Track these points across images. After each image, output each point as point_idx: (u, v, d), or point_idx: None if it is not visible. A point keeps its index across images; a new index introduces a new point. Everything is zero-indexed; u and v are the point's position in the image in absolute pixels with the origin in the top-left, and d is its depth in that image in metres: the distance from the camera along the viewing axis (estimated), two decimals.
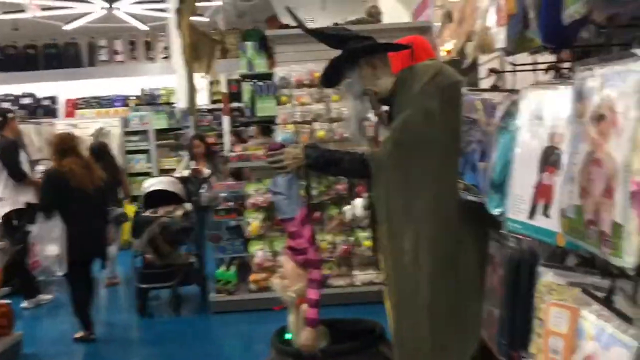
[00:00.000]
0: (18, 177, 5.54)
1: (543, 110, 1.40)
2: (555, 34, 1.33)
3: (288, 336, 2.50)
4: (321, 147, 2.28)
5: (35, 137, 6.41)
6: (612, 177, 1.02)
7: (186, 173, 5.93)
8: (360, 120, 2.28)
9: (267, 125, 6.11)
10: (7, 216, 5.49)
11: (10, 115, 5.79)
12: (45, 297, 5.95)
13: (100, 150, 6.36)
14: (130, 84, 12.68)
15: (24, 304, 5.70)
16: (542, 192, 1.37)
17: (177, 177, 5.87)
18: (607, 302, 1.11)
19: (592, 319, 1.12)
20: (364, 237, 4.90)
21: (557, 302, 1.33)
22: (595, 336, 1.09)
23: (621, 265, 1.00)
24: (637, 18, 1.10)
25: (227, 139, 11.05)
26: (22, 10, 9.76)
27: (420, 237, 2.09)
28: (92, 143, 6.68)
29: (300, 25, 2.30)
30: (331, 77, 2.30)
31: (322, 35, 2.25)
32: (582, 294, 1.21)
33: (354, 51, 2.18)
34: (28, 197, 5.55)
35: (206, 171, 5.82)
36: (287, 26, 5.47)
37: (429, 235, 2.09)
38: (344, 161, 2.18)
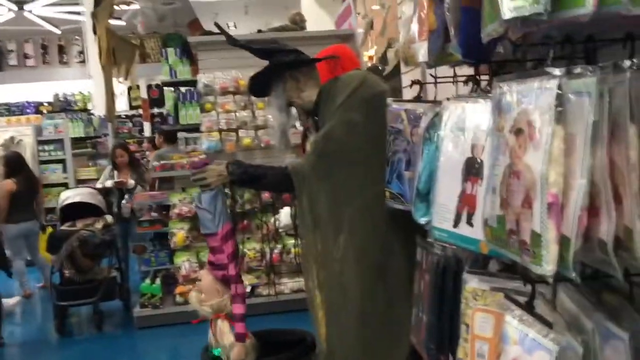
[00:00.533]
0: None
1: (464, 122, 1.46)
2: (474, 50, 1.38)
3: (217, 352, 2.45)
4: (244, 163, 2.29)
5: None
6: (530, 188, 1.07)
7: (109, 184, 5.70)
8: (284, 131, 2.33)
9: (173, 133, 6.08)
10: None
11: None
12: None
13: (16, 162, 6.11)
14: (42, 90, 12.07)
15: None
16: (466, 202, 1.42)
17: (99, 189, 5.64)
18: (528, 308, 1.15)
19: (515, 324, 1.17)
20: (292, 245, 4.90)
21: (482, 308, 1.38)
22: (519, 340, 1.13)
23: (541, 273, 1.05)
24: (548, 37, 1.16)
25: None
26: None
27: (349, 245, 2.12)
28: (6, 154, 6.35)
29: (229, 38, 2.30)
30: (258, 88, 2.32)
31: (250, 49, 2.27)
32: (505, 299, 1.26)
33: (277, 66, 2.23)
34: None
35: (131, 182, 5.62)
36: (210, 32, 5.39)
37: (358, 243, 2.12)
38: (268, 176, 2.21)
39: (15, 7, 9.82)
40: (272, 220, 4.78)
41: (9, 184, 6.01)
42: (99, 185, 5.83)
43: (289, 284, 5.05)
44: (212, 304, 2.32)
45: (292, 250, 4.88)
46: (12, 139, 7.82)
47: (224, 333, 2.31)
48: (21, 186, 6.05)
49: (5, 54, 12.39)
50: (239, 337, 2.28)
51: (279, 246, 5.01)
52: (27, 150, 7.79)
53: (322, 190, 2.15)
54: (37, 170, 8.02)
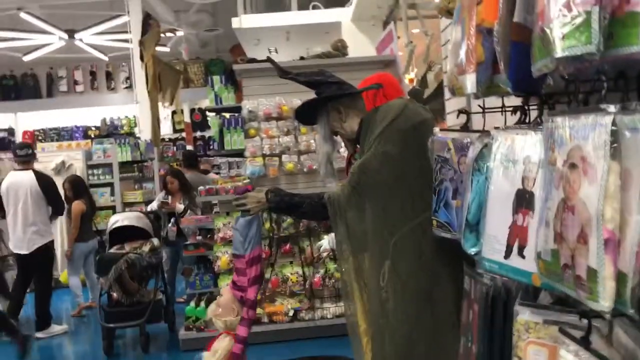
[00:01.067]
0: (60, 212, 6.20)
1: (515, 153, 1.46)
2: (524, 83, 1.39)
3: None
4: (283, 191, 2.38)
5: None
6: (585, 224, 1.07)
7: (155, 206, 5.87)
8: (328, 159, 2.39)
9: (193, 157, 6.98)
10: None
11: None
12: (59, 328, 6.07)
13: (80, 185, 6.64)
14: (90, 115, 12.53)
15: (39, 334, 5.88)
16: (517, 234, 1.42)
17: (147, 212, 5.83)
18: (584, 342, 1.14)
19: (571, 359, 1.16)
20: (335, 269, 4.91)
21: (535, 340, 1.37)
22: None
23: (598, 309, 1.04)
24: (600, 72, 1.17)
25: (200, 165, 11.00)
26: None
27: (394, 273, 2.13)
28: (72, 178, 6.76)
29: (280, 70, 2.40)
30: (305, 117, 2.40)
31: (298, 81, 2.38)
32: (559, 333, 1.25)
33: (320, 99, 2.33)
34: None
35: (180, 206, 5.77)
36: (254, 60, 5.52)
37: (403, 271, 2.13)
38: (304, 205, 2.29)
39: (66, 36, 10.27)
40: (314, 244, 4.81)
41: (80, 205, 6.39)
42: (149, 208, 6.00)
43: (331, 309, 5.05)
44: (225, 320, 2.46)
45: (335, 274, 4.89)
46: (63, 163, 8.11)
47: (223, 349, 2.42)
48: (87, 207, 6.48)
49: (55, 80, 12.93)
50: (234, 357, 2.41)
51: (321, 271, 5.03)
52: (78, 173, 8.06)
53: (361, 219, 2.20)
54: None
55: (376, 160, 2.16)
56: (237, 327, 2.42)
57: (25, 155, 5.91)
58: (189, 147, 11.68)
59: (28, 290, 6.12)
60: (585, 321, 1.18)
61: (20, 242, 5.74)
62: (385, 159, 2.14)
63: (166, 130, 11.81)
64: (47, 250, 5.88)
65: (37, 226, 5.77)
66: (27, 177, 5.81)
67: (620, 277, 1.02)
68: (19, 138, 12.43)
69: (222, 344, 2.42)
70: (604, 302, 1.03)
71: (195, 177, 6.64)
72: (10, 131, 12.62)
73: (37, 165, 8.06)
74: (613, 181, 1.02)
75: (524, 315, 1.42)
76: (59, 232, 7.49)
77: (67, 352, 5.85)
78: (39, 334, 5.91)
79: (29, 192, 5.76)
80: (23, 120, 12.74)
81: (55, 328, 6.05)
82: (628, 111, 1.02)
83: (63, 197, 6.34)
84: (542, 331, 1.37)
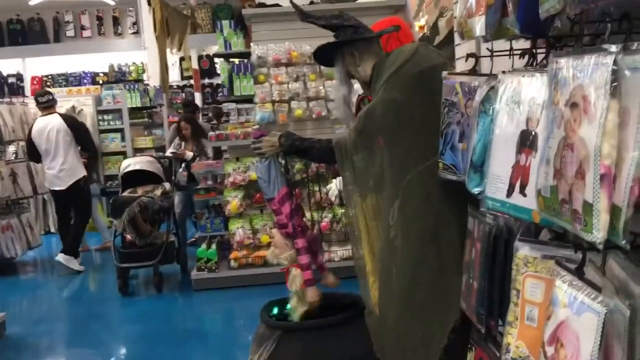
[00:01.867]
0: (89, 149, 6.49)
1: (520, 95, 1.50)
2: (532, 25, 1.42)
3: (275, 310, 2.61)
4: (294, 135, 2.47)
5: (8, 117, 6.29)
6: (584, 160, 1.12)
7: (168, 154, 5.96)
8: (345, 103, 2.43)
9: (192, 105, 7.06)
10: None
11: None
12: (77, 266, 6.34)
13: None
14: (98, 61, 12.45)
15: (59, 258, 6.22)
16: (519, 173, 1.48)
17: (161, 157, 5.92)
18: (578, 273, 1.22)
19: (565, 288, 1.23)
20: (342, 214, 5.01)
21: (532, 274, 1.44)
22: (568, 303, 1.20)
23: (592, 240, 1.11)
24: (606, 14, 1.19)
25: (200, 115, 11.02)
26: None
27: (402, 212, 2.21)
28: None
29: (301, 13, 2.43)
30: (324, 58, 2.47)
31: (317, 24, 2.41)
32: (556, 265, 1.32)
33: (336, 43, 2.35)
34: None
35: (189, 154, 5.85)
36: (263, 5, 5.46)
37: (411, 210, 2.20)
38: (314, 149, 2.39)
39: None
40: (322, 189, 4.89)
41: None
42: (168, 153, 6.09)
43: (338, 252, 5.18)
44: (285, 256, 2.62)
45: (343, 219, 4.99)
46: (73, 108, 8.16)
47: (295, 280, 2.58)
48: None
49: (62, 25, 12.80)
50: (308, 282, 2.55)
51: (330, 215, 5.13)
52: (88, 119, 8.12)
53: (367, 164, 2.28)
54: (97, 139, 8.37)
55: (381, 106, 2.20)
56: (298, 258, 2.58)
57: (47, 101, 6.22)
58: (197, 94, 11.68)
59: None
60: (580, 254, 1.25)
61: (56, 180, 6.15)
62: (390, 106, 2.18)
63: (174, 77, 11.75)
64: (81, 185, 6.28)
65: (70, 164, 6.18)
66: (54, 120, 6.19)
67: (614, 211, 1.08)
68: (27, 83, 12.44)
69: (293, 274, 2.60)
70: (598, 233, 1.09)
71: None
72: (19, 76, 12.60)
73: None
74: (612, 119, 1.06)
75: (523, 250, 1.50)
76: None
77: (84, 291, 6.07)
78: (59, 257, 6.22)
79: (58, 134, 6.14)
80: (31, 65, 12.70)
81: (74, 263, 6.30)
82: (629, 51, 1.06)
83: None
84: (539, 265, 1.44)
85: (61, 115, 6.38)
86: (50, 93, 6.49)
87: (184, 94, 11.96)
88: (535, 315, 1.40)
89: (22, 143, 7.10)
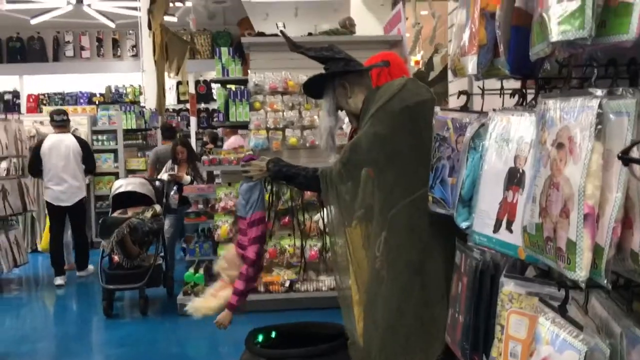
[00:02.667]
0: (93, 171, 7.11)
1: (509, 133, 1.54)
2: (522, 66, 1.46)
3: (260, 338, 2.59)
4: (282, 162, 2.51)
5: (2, 133, 6.29)
6: (568, 199, 1.15)
7: (165, 177, 5.96)
8: (330, 134, 2.48)
9: (171, 130, 7.27)
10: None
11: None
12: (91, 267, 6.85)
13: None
14: (96, 81, 12.54)
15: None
16: (506, 209, 1.50)
17: (154, 180, 5.92)
18: (561, 311, 1.23)
19: (548, 325, 1.25)
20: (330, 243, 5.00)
21: (517, 310, 1.46)
22: (551, 341, 1.21)
23: (574, 278, 1.13)
24: (593, 59, 1.24)
25: (194, 140, 11.07)
26: None
27: (388, 243, 2.22)
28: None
29: (291, 43, 2.47)
30: (313, 90, 2.50)
31: (308, 56, 2.46)
32: (540, 302, 1.34)
33: (328, 75, 2.41)
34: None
35: (187, 177, 5.86)
36: (262, 34, 5.55)
37: (397, 242, 2.22)
38: (300, 176, 2.42)
39: (74, 0, 10.25)
40: (310, 218, 4.89)
41: None
42: (161, 176, 6.09)
43: (326, 281, 5.17)
44: (229, 274, 2.71)
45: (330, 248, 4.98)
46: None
47: (223, 298, 2.65)
48: None
49: (62, 45, 12.91)
50: (230, 306, 2.64)
51: (319, 244, 5.12)
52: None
53: (351, 195, 2.33)
54: None
55: (366, 140, 2.25)
56: (235, 280, 2.62)
57: (61, 120, 6.62)
58: (192, 118, 11.74)
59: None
60: (563, 292, 1.27)
61: (63, 195, 6.45)
62: (374, 139, 2.23)
63: (170, 100, 11.84)
64: (83, 203, 6.76)
65: (79, 182, 6.59)
66: (68, 139, 6.59)
67: (597, 250, 1.10)
68: (23, 101, 12.47)
69: (224, 293, 2.66)
70: (580, 272, 1.11)
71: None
72: (15, 93, 12.66)
73: (42, 128, 8.15)
74: (596, 160, 1.10)
75: (508, 287, 1.51)
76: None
77: (68, 311, 5.99)
78: (80, 273, 6.83)
79: (71, 152, 6.52)
80: (28, 83, 12.76)
81: (90, 268, 6.85)
82: (614, 96, 1.10)
83: None
84: (524, 302, 1.46)
85: (74, 135, 6.82)
86: (65, 113, 6.85)
87: (179, 118, 12.03)
88: (519, 351, 1.41)
89: (15, 160, 7.09)
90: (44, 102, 12.29)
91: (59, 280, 6.44)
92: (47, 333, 5.20)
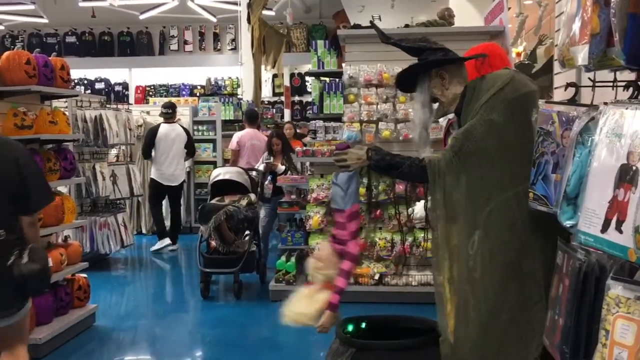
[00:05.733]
0: (193, 155, 8.16)
1: (622, 128, 1.45)
2: (639, 56, 1.37)
3: (350, 328, 2.61)
4: (383, 150, 2.36)
5: (113, 122, 6.75)
6: None
7: (261, 167, 6.16)
8: (424, 126, 2.38)
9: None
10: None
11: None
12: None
13: None
14: (197, 74, 13.11)
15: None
16: (617, 208, 1.42)
17: (249, 169, 6.15)
18: None
19: None
20: (423, 238, 4.95)
21: (624, 315, 1.38)
22: None
23: None
24: None
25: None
26: None
27: (483, 242, 2.15)
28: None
29: (382, 35, 2.41)
30: (405, 83, 2.44)
31: (400, 47, 2.38)
32: None
33: (424, 64, 2.32)
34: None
35: (281, 167, 6.03)
36: (358, 26, 5.56)
37: (493, 241, 2.14)
38: (404, 166, 2.27)
39: None
40: (405, 211, 4.86)
41: None
42: (257, 167, 6.31)
43: (416, 277, 5.12)
44: (325, 273, 2.49)
45: (423, 243, 4.93)
46: None
47: (319, 301, 2.45)
48: None
49: (167, 39, 13.59)
50: (332, 307, 2.43)
51: (410, 238, 5.09)
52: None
53: (457, 186, 2.19)
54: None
55: (482, 127, 2.14)
56: (336, 278, 2.45)
57: (166, 113, 7.59)
58: (287, 110, 11.98)
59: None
60: None
61: (172, 177, 7.54)
62: (490, 127, 2.13)
63: (266, 92, 12.13)
64: (184, 184, 7.97)
65: (183, 165, 7.78)
66: (177, 129, 7.64)
67: None
68: (132, 92, 13.28)
69: (322, 296, 2.46)
70: None
71: (253, 133, 7.26)
72: (125, 85, 13.49)
73: (148, 118, 8.65)
74: None
75: (615, 290, 1.44)
76: None
77: (169, 291, 6.34)
78: (172, 248, 7.69)
79: (179, 140, 7.58)
80: (136, 75, 13.57)
81: (177, 245, 7.76)
82: None
83: None
84: (632, 306, 1.38)
85: (180, 125, 7.80)
86: (171, 106, 7.74)
87: (274, 110, 12.32)
88: (625, 358, 1.35)
89: (124, 147, 7.59)
90: (150, 93, 13.01)
91: (165, 242, 7.62)
92: (148, 310, 5.54)
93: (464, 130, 2.19)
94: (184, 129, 7.78)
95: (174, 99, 9.58)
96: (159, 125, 7.62)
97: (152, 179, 7.59)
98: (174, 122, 7.64)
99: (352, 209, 2.45)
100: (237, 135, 7.21)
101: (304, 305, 2.50)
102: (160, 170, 7.49)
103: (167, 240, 7.65)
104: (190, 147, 7.77)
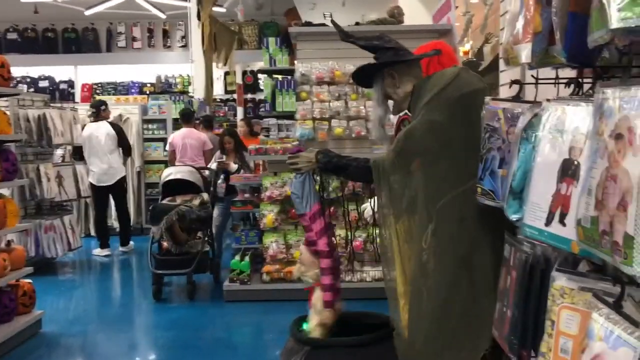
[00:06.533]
0: (129, 152, 7.65)
1: (564, 124, 1.49)
2: (579, 54, 1.42)
3: (305, 326, 2.61)
4: (332, 153, 2.47)
5: (58, 121, 6.53)
6: (626, 192, 1.11)
7: (213, 166, 6.08)
8: (380, 124, 2.44)
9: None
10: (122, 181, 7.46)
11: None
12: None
13: None
14: (146, 71, 12.83)
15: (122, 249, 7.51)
16: (560, 202, 1.46)
17: (201, 168, 6.06)
18: (616, 307, 1.19)
19: (602, 321, 1.21)
20: (376, 234, 4.98)
21: (569, 305, 1.42)
22: (604, 337, 1.18)
23: (631, 274, 1.09)
24: None
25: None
26: None
27: (436, 236, 2.19)
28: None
29: (342, 32, 2.45)
30: (362, 80, 2.49)
31: (358, 45, 2.44)
32: (593, 298, 1.30)
33: (376, 65, 2.37)
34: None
35: (233, 166, 5.96)
36: (309, 24, 5.56)
37: (445, 234, 2.19)
38: (351, 167, 2.38)
39: None
40: (355, 208, 4.89)
41: None
42: (210, 165, 6.24)
43: (370, 272, 5.16)
44: (310, 275, 2.61)
45: (376, 239, 4.97)
46: (120, 116, 8.39)
47: (318, 300, 2.57)
48: None
49: (114, 36, 13.25)
50: (327, 304, 2.53)
51: (363, 235, 5.12)
52: (133, 127, 8.34)
53: (404, 185, 2.27)
54: (141, 147, 8.59)
55: (422, 128, 2.20)
56: (321, 277, 2.56)
57: (92, 113, 7.44)
58: (239, 108, 11.88)
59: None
60: (619, 287, 1.23)
61: (104, 176, 7.23)
62: (430, 127, 2.19)
63: (218, 90, 11.99)
64: (123, 182, 7.52)
65: (118, 163, 7.38)
66: (104, 127, 7.31)
67: None
68: (78, 90, 12.88)
69: (317, 295, 2.58)
70: (638, 267, 1.08)
71: (212, 137, 7.40)
72: (70, 83, 13.07)
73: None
74: None
75: (560, 281, 1.47)
76: None
77: (119, 294, 6.19)
78: (122, 249, 7.49)
79: (107, 138, 7.24)
80: (83, 73, 13.17)
81: (132, 244, 7.57)
82: None
83: None
84: (576, 297, 1.42)
85: (109, 122, 7.45)
86: (97, 105, 7.57)
87: (226, 108, 12.18)
88: (570, 347, 1.38)
89: (70, 147, 7.37)
90: (97, 91, 12.65)
91: (104, 252, 7.32)
92: (98, 315, 5.39)
93: (406, 131, 2.27)
94: (115, 126, 7.47)
95: (122, 97, 9.34)
96: (84, 126, 7.48)
97: (89, 182, 7.37)
98: (102, 120, 7.37)
99: (313, 210, 2.55)
100: (171, 136, 7.31)
101: (313, 316, 2.61)
102: (92, 171, 7.28)
103: (106, 251, 7.39)
104: (123, 146, 7.45)
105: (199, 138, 7.04)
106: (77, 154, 7.43)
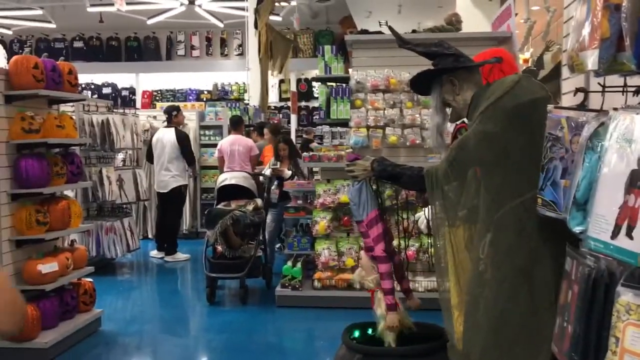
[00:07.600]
0: (192, 161, 7.52)
1: (632, 133, 1.44)
2: None
3: (357, 333, 2.61)
4: (387, 161, 2.50)
5: (120, 126, 6.77)
6: None
7: (267, 172, 6.16)
8: (438, 131, 2.41)
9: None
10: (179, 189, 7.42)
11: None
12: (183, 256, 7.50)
13: None
14: (203, 79, 13.18)
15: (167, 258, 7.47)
16: (627, 214, 1.41)
17: (260, 175, 6.14)
18: None
19: None
20: (429, 244, 4.92)
21: (635, 322, 1.36)
22: None
23: None
24: None
25: (294, 137, 11.32)
26: (109, 4, 10.31)
27: (494, 246, 2.15)
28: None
29: (399, 39, 2.45)
30: (420, 88, 2.47)
31: (416, 51, 2.44)
32: None
33: (436, 70, 2.35)
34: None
35: (287, 172, 6.02)
36: (365, 31, 5.56)
37: (503, 245, 2.14)
38: (405, 176, 2.40)
39: (186, 1, 10.82)
40: (411, 217, 4.85)
41: None
42: (264, 172, 6.31)
43: (423, 282, 5.09)
44: (371, 279, 2.70)
45: (429, 249, 4.91)
46: None
47: (380, 303, 2.64)
48: None
49: (174, 44, 13.67)
50: (389, 307, 2.60)
51: (416, 244, 5.07)
52: (191, 133, 8.55)
53: (457, 194, 2.26)
54: (198, 152, 8.80)
55: (475, 138, 2.17)
56: (380, 282, 2.64)
57: (166, 119, 7.49)
58: (293, 116, 12.01)
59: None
60: None
61: (161, 183, 7.32)
62: (483, 138, 2.14)
63: (273, 98, 12.16)
64: (178, 191, 7.39)
65: (178, 172, 7.31)
66: (169, 134, 7.31)
67: None
68: (139, 97, 13.34)
69: (379, 298, 2.67)
70: None
71: (234, 139, 7.25)
72: (132, 90, 13.56)
73: (155, 123, 8.67)
74: None
75: (626, 297, 1.42)
76: None
77: (175, 296, 6.35)
78: (167, 258, 7.42)
79: (169, 146, 7.24)
80: (143, 80, 13.64)
81: (180, 256, 7.45)
82: None
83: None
84: None
85: (176, 129, 7.40)
86: (168, 110, 7.57)
87: (280, 115, 12.34)
88: None
89: (131, 151, 7.63)
90: (157, 98, 13.06)
91: (160, 254, 7.47)
92: (154, 315, 5.54)
93: (459, 141, 2.25)
94: (180, 134, 7.37)
95: (180, 104, 9.60)
96: (156, 131, 7.61)
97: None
98: (171, 127, 7.37)
99: (369, 217, 2.63)
100: (219, 143, 7.34)
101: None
102: (155, 176, 7.48)
103: (162, 254, 7.50)
104: (185, 154, 7.33)
105: (247, 144, 7.08)
106: (138, 160, 7.65)
